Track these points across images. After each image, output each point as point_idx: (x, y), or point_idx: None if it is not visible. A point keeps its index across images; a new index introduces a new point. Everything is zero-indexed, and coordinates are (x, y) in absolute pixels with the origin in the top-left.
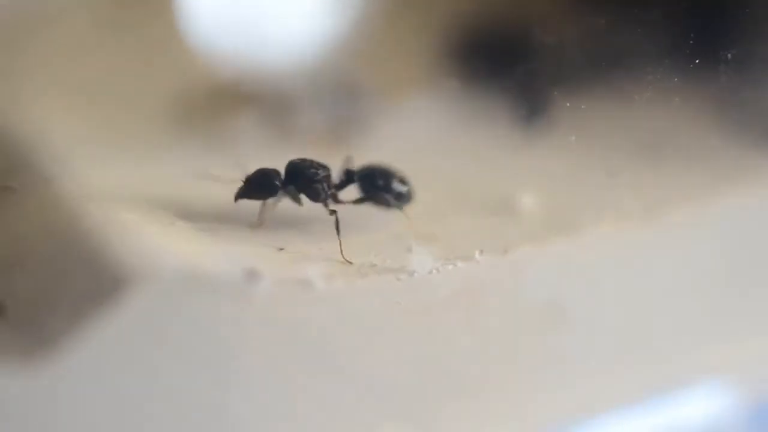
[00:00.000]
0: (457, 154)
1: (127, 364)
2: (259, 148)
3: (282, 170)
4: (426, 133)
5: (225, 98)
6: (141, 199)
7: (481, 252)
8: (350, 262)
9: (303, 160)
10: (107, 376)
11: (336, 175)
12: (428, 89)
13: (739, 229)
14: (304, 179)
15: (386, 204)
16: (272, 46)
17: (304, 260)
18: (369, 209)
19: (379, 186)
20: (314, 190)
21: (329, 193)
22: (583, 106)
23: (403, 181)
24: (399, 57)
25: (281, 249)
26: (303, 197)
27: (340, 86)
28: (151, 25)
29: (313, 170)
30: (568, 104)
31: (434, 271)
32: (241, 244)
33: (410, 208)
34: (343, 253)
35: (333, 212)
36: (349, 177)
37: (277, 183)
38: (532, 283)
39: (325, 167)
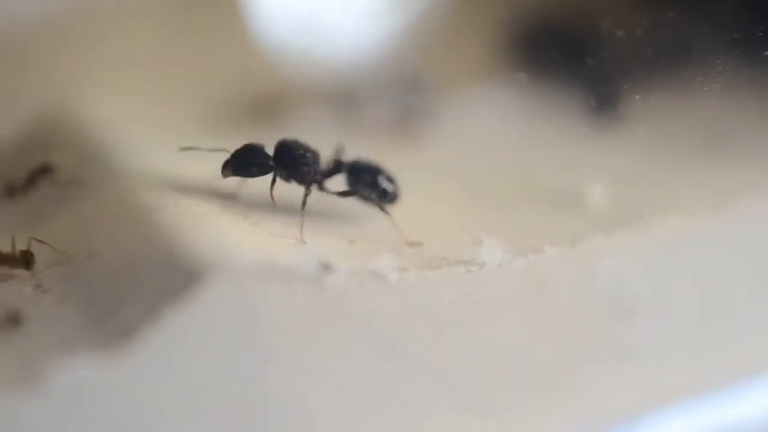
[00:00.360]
0: (526, 145)
1: (202, 355)
2: (326, 140)
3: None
4: (493, 125)
5: (292, 92)
6: (213, 192)
7: (551, 244)
8: (418, 244)
9: (294, 141)
10: (182, 366)
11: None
12: (495, 81)
13: None
14: (291, 160)
15: (370, 199)
16: (338, 40)
17: (376, 252)
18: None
19: (365, 181)
20: (300, 173)
21: (316, 178)
22: (652, 99)
23: (390, 179)
24: (465, 48)
25: (352, 241)
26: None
27: (405, 79)
28: (219, 20)
29: (301, 152)
30: (637, 97)
31: (504, 263)
32: (313, 236)
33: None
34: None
35: (307, 192)
36: (337, 166)
37: (267, 161)
38: (601, 276)
39: (314, 152)
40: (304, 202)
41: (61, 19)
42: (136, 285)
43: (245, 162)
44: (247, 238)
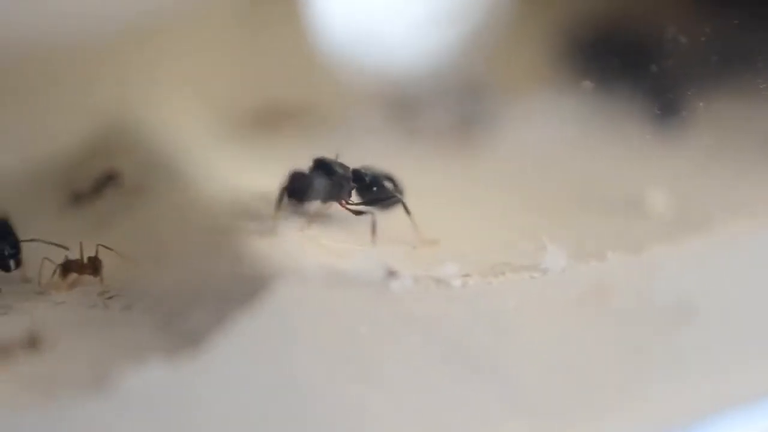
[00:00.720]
0: (587, 152)
1: (269, 361)
2: (386, 148)
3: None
4: (554, 132)
5: (351, 98)
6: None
7: (613, 251)
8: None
9: (331, 160)
10: (249, 371)
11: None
12: (556, 87)
13: None
14: (335, 176)
15: (391, 205)
16: (397, 47)
17: (439, 258)
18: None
19: (379, 188)
20: (341, 188)
21: (348, 192)
22: (715, 105)
23: (394, 182)
24: (525, 55)
25: (415, 247)
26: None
27: (465, 86)
28: (278, 27)
29: (341, 171)
30: (701, 104)
31: (567, 269)
32: (377, 243)
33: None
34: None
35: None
36: (358, 177)
37: (325, 179)
38: (664, 282)
39: (347, 167)
40: (382, 207)
41: (122, 25)
42: (203, 291)
43: (306, 190)
44: (314, 244)
